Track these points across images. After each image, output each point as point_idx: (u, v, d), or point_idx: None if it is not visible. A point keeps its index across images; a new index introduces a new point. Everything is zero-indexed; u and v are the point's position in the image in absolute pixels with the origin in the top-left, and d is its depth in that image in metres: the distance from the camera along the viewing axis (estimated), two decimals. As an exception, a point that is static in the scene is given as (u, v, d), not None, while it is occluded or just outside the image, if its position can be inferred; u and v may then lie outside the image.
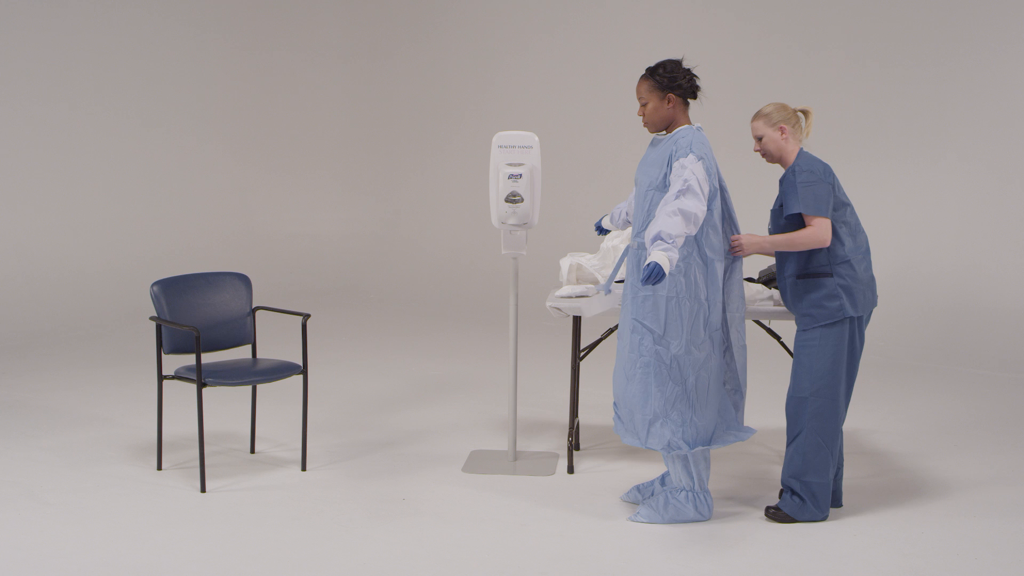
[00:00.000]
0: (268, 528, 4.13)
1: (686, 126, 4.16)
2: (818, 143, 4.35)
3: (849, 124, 7.88)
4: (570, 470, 4.83)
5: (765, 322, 4.88)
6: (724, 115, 6.80)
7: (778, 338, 4.98)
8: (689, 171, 3.96)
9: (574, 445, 5.08)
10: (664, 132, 4.21)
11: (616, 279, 4.72)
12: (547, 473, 4.81)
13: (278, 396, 5.83)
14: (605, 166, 8.99)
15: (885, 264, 6.13)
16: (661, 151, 4.16)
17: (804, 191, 4.08)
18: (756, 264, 6.05)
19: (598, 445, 5.28)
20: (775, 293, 4.65)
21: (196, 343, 4.46)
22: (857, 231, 4.22)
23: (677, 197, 3.91)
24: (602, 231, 4.93)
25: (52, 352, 7.27)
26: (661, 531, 4.13)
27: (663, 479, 4.41)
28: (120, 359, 7.07)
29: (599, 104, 9.09)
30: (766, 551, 3.95)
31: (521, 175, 4.69)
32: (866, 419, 5.72)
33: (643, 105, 4.20)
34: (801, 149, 4.23)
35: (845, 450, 4.86)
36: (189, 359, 4.72)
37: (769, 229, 4.33)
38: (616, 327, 4.62)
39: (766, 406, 5.61)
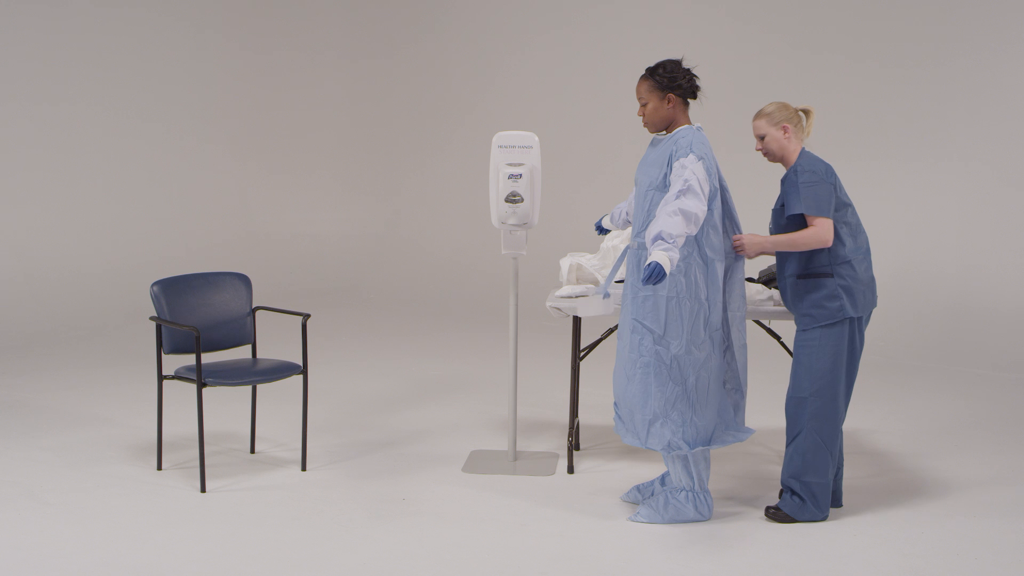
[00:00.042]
0: (268, 528, 4.13)
1: (686, 126, 4.16)
2: (818, 143, 4.35)
3: (849, 124, 7.88)
4: (570, 470, 4.83)
5: (765, 322, 4.88)
6: (724, 115, 6.81)
7: (778, 338, 4.98)
8: (689, 171, 3.96)
9: (574, 445, 5.08)
10: (664, 132, 4.21)
11: (616, 279, 4.72)
12: (547, 473, 4.81)
13: (278, 396, 5.83)
14: (605, 166, 8.99)
15: (885, 264, 6.13)
16: (661, 151, 4.16)
17: (806, 191, 4.08)
18: (756, 264, 6.06)
19: (598, 445, 5.28)
20: (775, 293, 4.65)
21: (196, 343, 4.46)
22: (858, 231, 4.22)
23: (678, 197, 3.91)
24: (602, 231, 4.93)
25: (52, 352, 7.27)
26: (661, 531, 4.13)
27: (663, 479, 4.41)
28: (120, 359, 7.07)
29: (599, 104, 9.09)
30: (766, 551, 3.95)
31: (521, 175, 4.69)
32: (866, 419, 5.72)
33: (643, 105, 4.20)
34: (803, 149, 4.23)
35: (845, 450, 4.86)
36: (189, 359, 4.72)
37: (770, 228, 4.33)
38: (616, 327, 4.62)
39: (766, 406, 5.61)
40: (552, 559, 3.86)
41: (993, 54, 7.48)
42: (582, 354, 4.99)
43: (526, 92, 9.51)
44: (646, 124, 4.23)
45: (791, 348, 4.51)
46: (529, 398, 6.01)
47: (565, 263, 4.96)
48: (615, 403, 4.32)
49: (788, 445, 4.24)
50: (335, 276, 9.98)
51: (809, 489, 4.19)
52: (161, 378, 4.69)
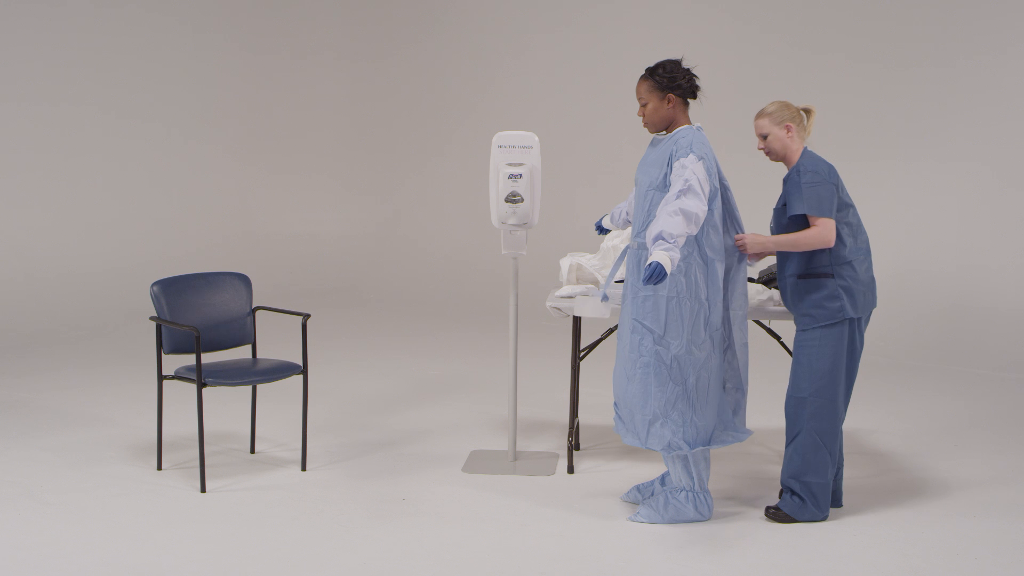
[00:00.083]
0: (268, 528, 4.13)
1: (686, 126, 4.16)
2: (818, 143, 4.35)
3: (849, 124, 7.88)
4: (570, 470, 4.83)
5: (765, 322, 4.88)
6: (724, 115, 6.81)
7: (778, 338, 4.98)
8: (690, 171, 3.96)
9: (574, 445, 5.08)
10: (664, 132, 4.21)
11: (616, 279, 4.72)
12: (547, 473, 4.81)
13: (278, 396, 5.83)
14: (605, 166, 8.99)
15: (885, 264, 6.13)
16: (661, 151, 4.16)
17: (809, 192, 4.08)
18: (757, 264, 6.05)
19: (598, 445, 5.28)
20: (775, 293, 4.65)
21: (196, 343, 4.46)
22: (858, 231, 4.22)
23: (678, 197, 3.91)
24: (602, 231, 4.93)
25: (52, 352, 7.27)
26: (661, 531, 4.13)
27: (663, 479, 4.41)
28: (120, 359, 7.07)
29: (599, 104, 9.09)
30: (766, 551, 3.95)
31: (521, 175, 4.69)
32: (866, 419, 5.72)
33: (643, 105, 4.20)
34: (805, 148, 4.23)
35: (845, 450, 4.86)
36: (189, 359, 4.72)
37: (771, 228, 4.32)
38: (616, 327, 4.62)
39: (766, 406, 5.61)
40: (552, 559, 3.86)
41: (993, 54, 7.48)
42: (582, 354, 4.99)
43: (526, 92, 9.51)
44: (646, 124, 4.23)
45: (791, 348, 4.51)
46: (529, 398, 6.01)
47: (565, 263, 4.96)
48: (615, 403, 4.32)
49: (788, 445, 4.24)
50: (335, 276, 9.98)
51: (809, 489, 4.19)
52: (161, 378, 4.69)
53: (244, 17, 9.79)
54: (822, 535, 4.10)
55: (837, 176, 4.16)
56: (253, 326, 4.98)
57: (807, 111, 4.28)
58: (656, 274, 3.76)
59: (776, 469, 4.84)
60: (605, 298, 4.40)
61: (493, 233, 8.17)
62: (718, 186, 4.10)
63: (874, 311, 4.34)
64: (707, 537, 4.08)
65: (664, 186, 4.08)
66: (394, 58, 10.26)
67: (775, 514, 4.24)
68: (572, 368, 5.04)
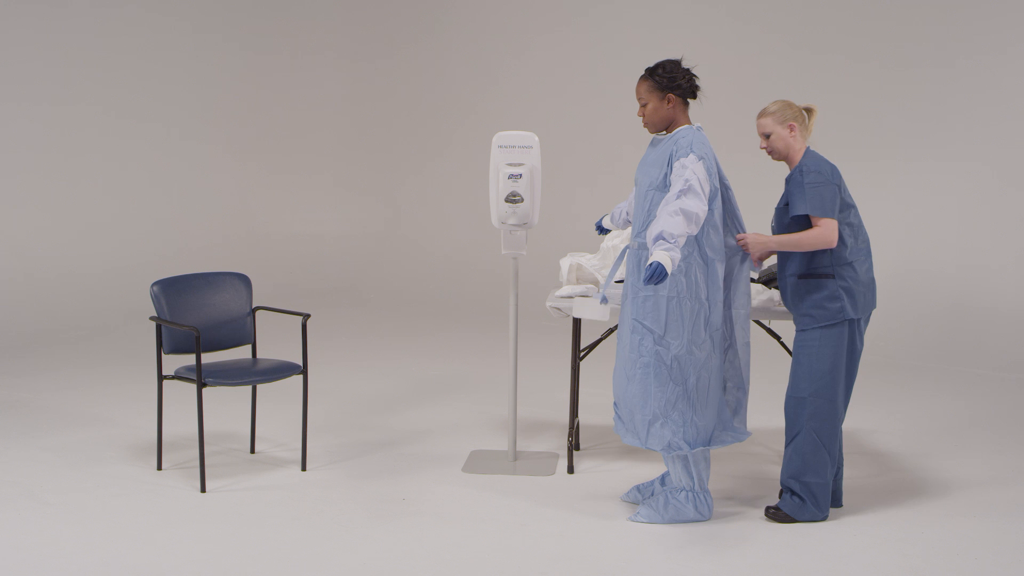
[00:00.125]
0: (268, 528, 4.13)
1: (686, 126, 4.16)
2: (818, 143, 4.35)
3: (849, 124, 7.88)
4: (570, 470, 4.83)
5: (765, 322, 4.88)
6: (724, 115, 6.81)
7: (778, 338, 4.98)
8: (690, 171, 3.96)
9: (574, 445, 5.08)
10: (664, 132, 4.21)
11: (616, 279, 4.71)
12: (547, 473, 4.81)
13: (278, 396, 5.83)
14: (605, 166, 8.99)
15: (885, 264, 6.13)
16: (661, 151, 4.16)
17: (811, 192, 4.08)
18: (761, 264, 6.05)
19: (598, 445, 5.28)
20: (775, 293, 4.65)
21: (196, 343, 4.46)
22: (859, 232, 4.22)
23: (678, 197, 3.91)
24: (602, 231, 4.93)
25: (52, 352, 7.27)
26: (661, 531, 4.13)
27: (663, 479, 4.41)
28: (120, 359, 7.07)
29: (599, 104, 9.09)
30: (766, 551, 3.95)
31: (521, 175, 4.69)
32: (866, 419, 5.72)
33: (643, 105, 4.20)
34: (808, 148, 4.23)
35: (845, 450, 4.86)
36: (189, 359, 4.72)
37: (772, 227, 4.32)
38: (616, 327, 4.62)
39: (766, 406, 5.61)
40: (552, 559, 3.86)
41: (993, 54, 7.48)
42: (582, 354, 4.99)
43: (526, 92, 9.51)
44: (646, 124, 4.23)
45: (791, 348, 4.51)
46: (529, 398, 6.01)
47: (565, 263, 4.96)
48: (615, 403, 4.32)
49: (787, 445, 4.24)
50: (335, 276, 9.98)
51: (809, 489, 4.19)
52: (161, 378, 4.69)
53: (244, 17, 9.79)
54: (822, 535, 4.10)
55: (840, 176, 4.16)
56: (253, 326, 4.98)
57: (808, 110, 4.28)
58: (657, 274, 3.76)
59: (776, 469, 4.84)
60: (604, 300, 4.40)
61: (493, 233, 8.17)
62: (718, 186, 4.10)
63: (874, 311, 4.34)
64: (707, 537, 4.08)
65: (664, 186, 4.08)
66: (394, 58, 10.26)
67: (775, 514, 4.24)
68: (572, 368, 5.04)
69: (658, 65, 4.19)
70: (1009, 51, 7.43)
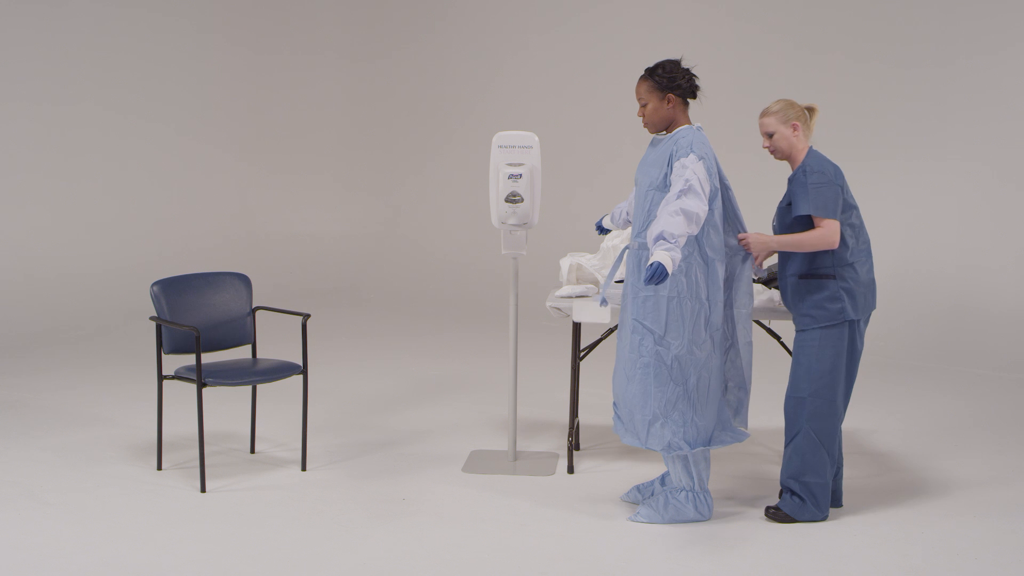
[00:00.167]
0: (268, 528, 4.13)
1: (686, 126, 4.16)
2: (818, 143, 4.34)
3: (849, 124, 7.88)
4: (570, 470, 4.83)
5: (765, 322, 4.88)
6: (724, 115, 6.81)
7: (778, 338, 4.98)
8: (690, 171, 3.96)
9: (574, 445, 5.08)
10: (664, 132, 4.21)
11: (615, 279, 4.71)
12: (547, 473, 4.81)
13: (278, 396, 5.83)
14: (605, 166, 8.99)
15: (885, 264, 6.13)
16: (661, 151, 4.16)
17: (815, 192, 4.07)
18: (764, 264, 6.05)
19: (598, 445, 5.28)
20: (775, 293, 4.64)
21: (196, 343, 4.46)
22: (860, 232, 4.22)
23: (679, 197, 3.91)
24: (603, 231, 4.93)
25: (52, 352, 7.27)
26: (661, 531, 4.13)
27: (663, 479, 4.41)
28: (120, 359, 7.07)
29: (599, 104, 9.09)
30: (766, 551, 3.95)
31: (521, 175, 4.69)
32: (866, 419, 5.72)
33: (643, 106, 4.20)
34: (811, 148, 4.23)
35: (845, 450, 4.86)
36: (189, 359, 4.72)
37: (774, 226, 4.32)
38: (616, 327, 4.62)
39: (766, 406, 5.61)
40: (552, 559, 3.86)
41: (993, 54, 7.47)
42: (582, 354, 4.99)
43: (526, 92, 9.51)
44: (646, 124, 4.23)
45: (791, 348, 4.51)
46: (529, 398, 6.01)
47: (565, 263, 4.96)
48: (614, 403, 4.32)
49: (787, 446, 4.24)
50: (335, 276, 9.98)
51: (808, 489, 4.19)
52: (161, 378, 4.69)
53: (244, 17, 9.79)
54: (822, 535, 4.10)
55: (842, 177, 4.16)
56: (253, 326, 4.98)
57: (810, 109, 4.27)
58: (658, 274, 3.76)
59: (776, 469, 4.84)
60: (603, 302, 4.40)
61: (493, 233, 8.17)
62: (718, 186, 4.10)
63: (873, 312, 4.34)
64: (707, 537, 4.08)
65: (664, 186, 4.08)
66: (394, 58, 10.26)
67: (775, 514, 4.24)
68: (572, 368, 5.04)
69: (658, 65, 4.19)
70: (1009, 51, 7.43)
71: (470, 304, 9.03)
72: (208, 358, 4.82)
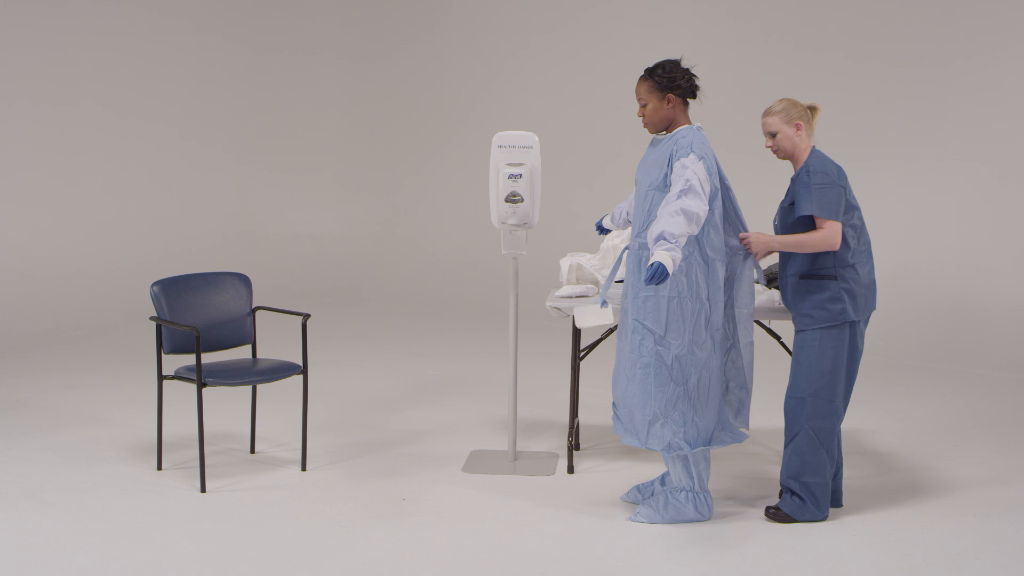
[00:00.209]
0: (268, 528, 4.13)
1: (686, 126, 4.16)
2: (818, 143, 4.34)
3: (849, 124, 7.87)
4: (570, 470, 4.83)
5: (765, 322, 4.88)
6: (724, 115, 6.81)
7: (778, 338, 4.98)
8: (690, 171, 3.96)
9: (574, 445, 5.08)
10: (664, 132, 4.21)
11: (616, 279, 4.71)
12: (547, 473, 4.81)
13: (278, 396, 5.83)
14: (605, 166, 8.99)
15: (885, 264, 6.12)
16: (661, 151, 4.16)
17: (818, 193, 4.07)
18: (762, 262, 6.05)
19: (598, 445, 5.28)
20: (775, 293, 4.64)
21: (196, 343, 4.46)
22: (862, 233, 4.21)
23: (679, 197, 3.92)
24: (603, 231, 4.93)
25: (52, 352, 7.27)
26: (661, 531, 4.13)
27: (663, 479, 4.41)
28: (120, 359, 7.07)
29: (599, 104, 9.09)
30: (766, 551, 3.95)
31: (521, 175, 4.69)
32: (866, 419, 5.72)
33: (643, 106, 4.20)
34: (813, 147, 4.22)
35: (845, 450, 4.86)
36: (189, 359, 4.72)
37: (775, 225, 4.32)
38: (616, 327, 4.62)
39: (766, 406, 5.61)
40: (552, 559, 3.86)
41: (993, 54, 7.47)
42: (582, 354, 4.99)
43: (526, 92, 9.51)
44: (646, 124, 4.23)
45: (791, 348, 4.51)
46: (529, 398, 6.01)
47: (565, 263, 4.96)
48: (613, 403, 4.32)
49: (786, 446, 4.24)
50: (335, 276, 9.98)
51: (808, 489, 4.19)
52: (161, 378, 4.69)
53: (245, 17, 9.79)
54: (822, 535, 4.10)
55: (845, 178, 4.16)
56: (253, 326, 4.98)
57: (812, 108, 4.27)
58: (658, 274, 3.76)
59: (776, 469, 4.84)
60: (604, 303, 4.40)
61: (493, 233, 8.17)
62: (718, 186, 4.10)
63: (873, 312, 4.34)
64: (707, 537, 4.08)
65: (664, 186, 4.08)
66: (394, 58, 10.26)
67: (775, 514, 4.24)
68: (572, 368, 5.04)
69: (658, 65, 4.19)
70: (1009, 51, 7.43)
71: (470, 304, 9.03)
72: (208, 358, 4.82)
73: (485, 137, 5.43)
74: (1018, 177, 7.41)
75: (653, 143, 4.27)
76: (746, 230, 4.21)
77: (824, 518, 4.22)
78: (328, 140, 10.39)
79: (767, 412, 5.59)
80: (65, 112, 8.57)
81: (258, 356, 5.02)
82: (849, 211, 4.16)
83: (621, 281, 4.69)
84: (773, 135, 4.21)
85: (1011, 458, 5.13)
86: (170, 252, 8.96)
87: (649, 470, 4.84)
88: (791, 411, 4.21)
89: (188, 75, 9.38)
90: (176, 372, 4.61)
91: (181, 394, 5.50)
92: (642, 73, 4.22)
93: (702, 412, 4.14)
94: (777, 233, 4.30)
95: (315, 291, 9.54)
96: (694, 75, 4.20)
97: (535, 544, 4.00)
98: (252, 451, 5.08)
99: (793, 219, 4.19)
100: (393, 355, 7.40)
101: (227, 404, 5.74)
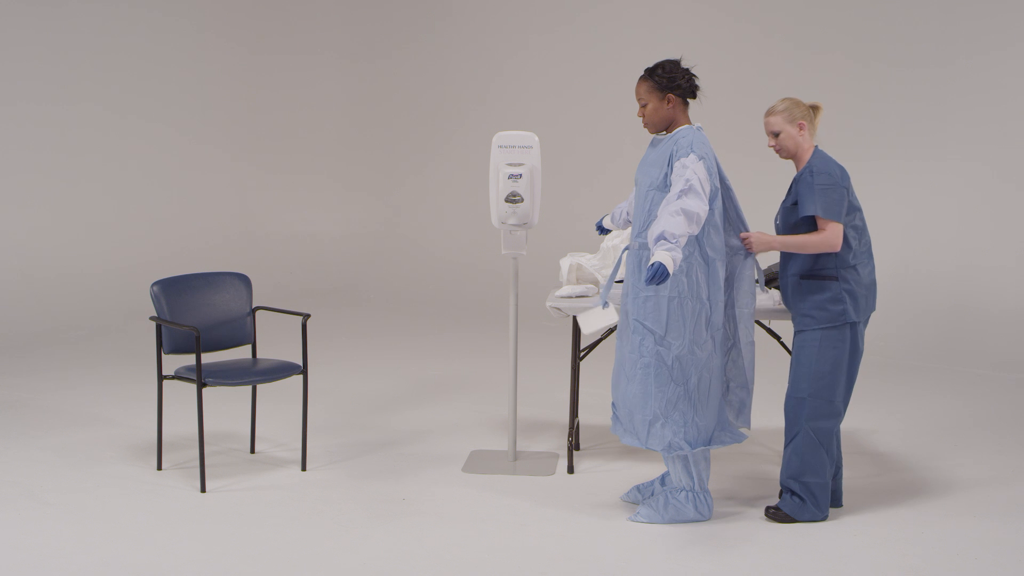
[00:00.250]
0: (268, 528, 4.13)
1: (686, 126, 4.16)
2: (819, 143, 4.34)
3: (849, 124, 7.87)
4: (570, 470, 4.83)
5: (765, 322, 4.88)
6: (724, 115, 6.81)
7: (778, 338, 4.98)
8: (691, 171, 3.96)
9: (574, 445, 5.08)
10: (664, 132, 4.21)
11: (616, 279, 4.71)
12: (547, 473, 4.81)
13: (278, 396, 5.83)
14: (605, 166, 8.99)
15: (885, 264, 6.13)
16: (661, 151, 4.16)
17: (821, 194, 4.07)
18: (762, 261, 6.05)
19: (598, 445, 5.28)
20: (775, 293, 4.64)
21: (196, 343, 4.46)
22: (863, 234, 4.21)
23: (679, 197, 3.92)
24: (603, 231, 4.93)
25: (52, 352, 7.27)
26: (661, 531, 4.13)
27: (663, 479, 4.41)
28: (120, 359, 7.07)
29: (599, 104, 9.09)
30: (766, 551, 3.95)
31: (521, 175, 4.69)
32: (866, 419, 5.72)
33: (643, 106, 4.20)
34: (816, 148, 4.22)
35: (845, 450, 4.86)
36: (189, 359, 4.72)
37: (777, 226, 4.31)
38: (616, 327, 4.61)
39: (766, 406, 5.60)
40: (552, 559, 3.86)
41: (993, 54, 7.47)
42: (582, 354, 4.99)
43: (526, 92, 9.51)
44: (646, 125, 4.23)
45: (791, 348, 4.51)
46: (529, 398, 6.01)
47: (565, 263, 4.96)
48: (613, 403, 4.32)
49: (786, 446, 4.24)
50: (335, 276, 9.98)
51: (808, 489, 4.19)
52: (161, 378, 4.69)
53: (245, 17, 9.79)
54: (822, 535, 4.10)
55: (848, 179, 4.15)
56: (253, 326, 4.98)
57: (815, 108, 4.27)
58: (659, 274, 3.76)
59: (776, 469, 4.84)
60: (605, 304, 4.40)
61: (493, 233, 8.17)
62: (718, 186, 4.10)
63: (873, 312, 4.34)
64: (707, 537, 4.08)
65: (664, 186, 4.08)
66: (394, 58, 10.26)
67: (775, 514, 4.24)
68: (572, 368, 5.04)
69: (658, 65, 4.19)
70: (1009, 51, 7.43)
71: (470, 304, 9.02)
72: (208, 358, 4.82)
73: (485, 137, 5.43)
74: (1018, 177, 7.41)
75: (653, 143, 4.27)
76: (747, 230, 4.21)
77: (824, 518, 4.22)
78: (328, 140, 10.39)
79: (767, 412, 5.59)
80: (65, 112, 8.57)
81: (258, 356, 5.02)
82: (851, 212, 4.16)
83: (621, 281, 4.69)
84: (776, 135, 4.21)
85: (1011, 458, 5.14)
86: (170, 252, 8.96)
87: (649, 470, 4.84)
88: (791, 411, 4.21)
89: (188, 75, 9.38)
90: (176, 372, 4.61)
91: (181, 394, 5.50)
92: (642, 73, 4.22)
93: (702, 412, 4.14)
94: (778, 233, 4.30)
95: (315, 291, 9.54)
96: (694, 75, 4.20)
97: (535, 544, 4.00)
98: (252, 451, 5.08)
99: (795, 219, 4.18)
100: (393, 355, 7.40)
101: (227, 404, 5.74)
